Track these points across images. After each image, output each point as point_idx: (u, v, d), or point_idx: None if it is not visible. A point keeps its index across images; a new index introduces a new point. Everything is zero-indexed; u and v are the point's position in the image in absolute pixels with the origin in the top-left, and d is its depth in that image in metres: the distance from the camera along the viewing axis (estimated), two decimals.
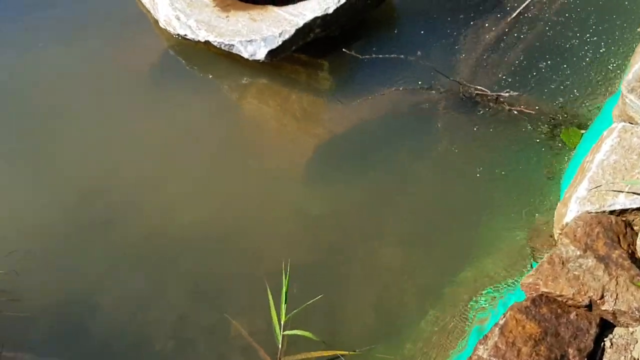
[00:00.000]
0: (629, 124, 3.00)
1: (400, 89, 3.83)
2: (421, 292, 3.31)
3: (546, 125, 3.53)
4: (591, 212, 2.67)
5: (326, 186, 3.78)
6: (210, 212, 3.71)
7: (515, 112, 3.57)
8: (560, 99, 3.67)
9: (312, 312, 3.19)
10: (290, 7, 3.99)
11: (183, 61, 4.32)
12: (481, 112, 3.71)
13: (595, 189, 2.70)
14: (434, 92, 3.81)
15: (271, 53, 3.88)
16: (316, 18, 3.89)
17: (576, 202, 2.70)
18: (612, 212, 2.65)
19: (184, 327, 3.20)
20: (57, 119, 4.13)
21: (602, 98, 3.63)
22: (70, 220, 3.57)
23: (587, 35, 4.10)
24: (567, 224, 2.73)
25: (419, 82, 3.94)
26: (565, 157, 3.41)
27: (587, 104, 3.64)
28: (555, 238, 2.87)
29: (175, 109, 4.14)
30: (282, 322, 2.82)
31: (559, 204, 3.00)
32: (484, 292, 2.99)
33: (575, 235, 2.57)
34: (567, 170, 3.24)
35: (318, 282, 3.36)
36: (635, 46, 3.78)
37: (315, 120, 3.99)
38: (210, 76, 4.25)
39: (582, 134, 3.38)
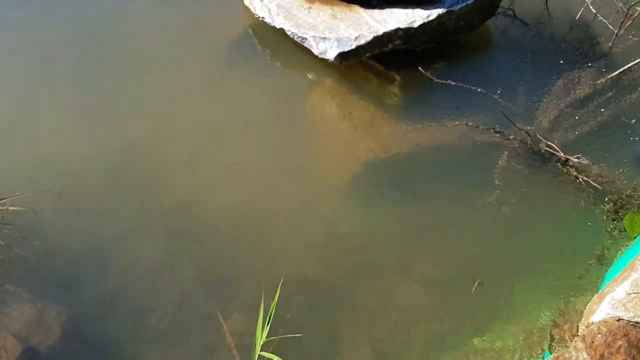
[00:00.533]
0: None
1: (469, 124, 3.57)
2: (427, 344, 3.11)
3: (612, 204, 3.18)
4: (622, 320, 2.37)
5: (364, 206, 3.62)
6: (241, 200, 3.66)
7: (582, 181, 3.24)
8: (635, 180, 3.28)
9: (308, 333, 3.10)
10: (376, 12, 3.80)
11: (258, 43, 4.25)
12: (545, 170, 3.40)
13: (635, 294, 2.39)
14: (502, 136, 3.53)
15: (342, 55, 3.73)
16: (398, 29, 3.69)
17: (609, 304, 2.41)
18: None
19: (183, 309, 3.18)
20: (130, 72, 4.20)
21: None
22: (108, 174, 3.64)
23: None
24: (592, 323, 2.45)
25: (490, 122, 3.66)
26: (623, 245, 3.06)
27: None
28: (578, 333, 2.59)
29: (239, 89, 4.09)
30: (261, 343, 2.71)
31: (595, 296, 2.70)
32: None
33: (592, 342, 2.28)
34: (618, 260, 2.91)
35: (327, 301, 3.24)
36: None
37: (373, 134, 3.81)
38: (279, 64, 4.16)
39: None
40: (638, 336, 2.30)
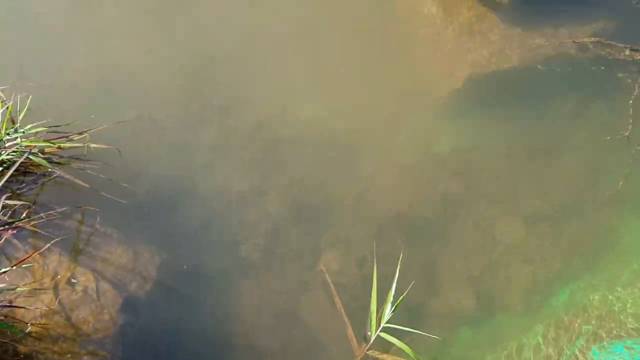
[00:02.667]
0: None
1: (598, 40, 3.03)
2: (530, 286, 2.97)
3: None
4: None
5: (463, 125, 3.29)
6: (329, 114, 3.34)
7: None
8: None
9: (405, 272, 2.97)
10: None
11: None
12: None
13: None
14: (639, 53, 3.00)
15: None
16: None
17: None
18: None
19: (274, 241, 3.06)
20: None
21: None
22: (187, 90, 3.31)
23: None
24: None
25: (624, 33, 3.11)
26: None
27: None
28: None
29: None
30: (382, 325, 2.58)
31: None
32: (611, 343, 2.57)
33: None
34: None
35: (423, 236, 3.07)
36: None
37: (479, 42, 3.32)
38: None
39: None
40: None
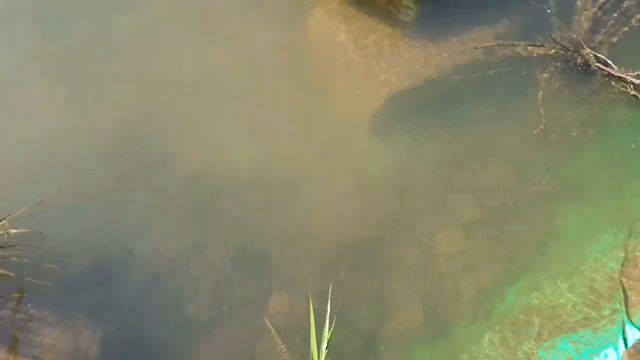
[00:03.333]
0: None
1: (500, 42, 3.10)
2: (477, 293, 2.97)
3: None
4: None
5: (392, 145, 3.31)
6: (260, 157, 3.35)
7: None
8: None
9: (355, 299, 2.97)
10: None
11: None
12: (595, 88, 3.00)
13: None
14: (538, 50, 3.08)
15: None
16: None
17: None
18: None
19: (221, 294, 3.03)
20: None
21: None
22: (108, 156, 3.29)
23: None
24: None
25: (523, 32, 3.19)
26: None
27: None
28: None
29: (232, 27, 3.58)
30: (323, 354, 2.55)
31: None
32: (555, 341, 2.58)
33: None
34: None
35: (369, 261, 3.07)
36: None
37: (391, 62, 3.37)
38: None
39: None
40: None
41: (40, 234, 2.80)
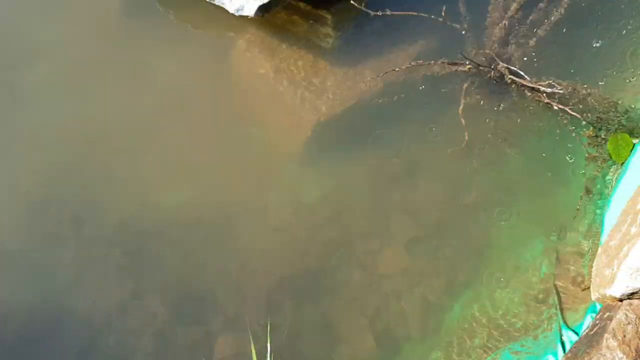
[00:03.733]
0: None
1: (418, 62, 3.17)
2: (423, 310, 3.00)
3: (592, 127, 2.94)
4: None
5: (325, 172, 3.32)
6: (190, 197, 3.29)
7: (556, 107, 2.96)
8: (609, 94, 3.01)
9: (302, 331, 2.94)
10: None
11: (157, 3, 3.58)
12: (511, 99, 3.11)
13: None
14: (455, 66, 3.17)
15: (263, 8, 3.19)
16: None
17: (627, 274, 2.24)
18: None
19: (166, 343, 2.94)
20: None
21: None
22: (33, 215, 3.15)
23: None
24: (611, 297, 2.30)
25: (441, 51, 3.27)
26: (613, 173, 2.86)
27: None
28: (593, 298, 2.46)
29: (148, 64, 3.52)
30: None
31: (600, 251, 2.54)
32: (498, 353, 2.62)
33: (624, 337, 2.14)
34: (613, 195, 2.70)
35: (312, 291, 3.05)
36: None
37: (316, 89, 3.39)
38: (190, 25, 3.55)
39: (635, 144, 2.77)
40: None
41: None
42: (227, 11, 3.24)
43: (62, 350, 2.80)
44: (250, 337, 2.63)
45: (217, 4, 3.24)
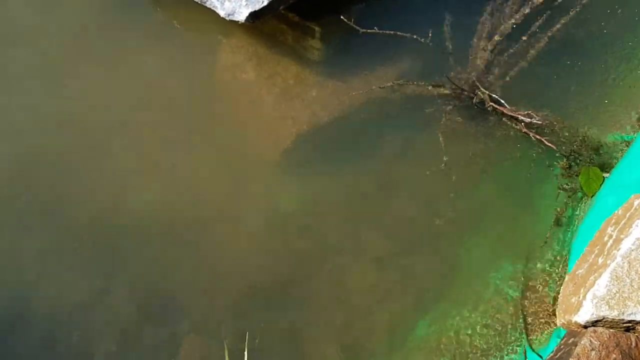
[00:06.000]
0: None
1: (402, 81, 3.23)
2: (390, 326, 3.03)
3: (565, 159, 3.03)
4: (607, 319, 2.32)
5: (303, 182, 3.33)
6: (164, 199, 3.26)
7: (533, 137, 3.05)
8: (584, 127, 3.12)
9: (268, 342, 2.93)
10: None
11: (150, 4, 3.56)
12: (491, 125, 3.19)
13: (617, 291, 2.33)
14: (438, 89, 3.24)
15: (254, 15, 3.19)
16: None
17: (592, 302, 2.33)
18: (630, 323, 2.30)
19: (130, 343, 2.89)
20: None
21: (632, 129, 3.11)
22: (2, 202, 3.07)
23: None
24: (576, 323, 2.38)
25: (424, 72, 3.34)
26: (582, 204, 2.96)
27: (613, 133, 3.13)
28: (558, 324, 2.53)
29: (130, 60, 3.48)
30: None
31: (567, 279, 2.62)
32: None
33: None
34: (582, 226, 2.80)
35: (281, 302, 3.05)
36: None
37: (299, 100, 3.41)
38: (176, 23, 3.53)
39: (605, 178, 2.88)
40: (628, 342, 2.28)
41: None
42: (217, 14, 3.23)
43: (23, 345, 2.72)
44: (225, 343, 2.61)
45: (208, 6, 3.23)
